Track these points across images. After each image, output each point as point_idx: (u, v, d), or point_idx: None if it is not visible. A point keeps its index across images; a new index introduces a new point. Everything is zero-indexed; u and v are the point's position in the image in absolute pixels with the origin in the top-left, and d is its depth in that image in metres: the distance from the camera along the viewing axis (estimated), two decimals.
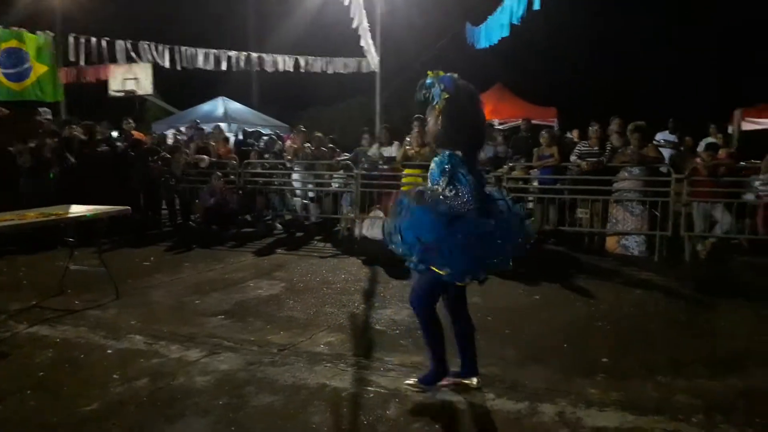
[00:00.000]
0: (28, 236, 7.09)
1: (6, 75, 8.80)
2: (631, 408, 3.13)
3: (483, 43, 10.17)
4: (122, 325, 4.52)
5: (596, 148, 7.91)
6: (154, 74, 15.26)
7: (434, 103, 3.14)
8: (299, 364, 3.74)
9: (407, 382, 3.39)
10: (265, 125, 18.96)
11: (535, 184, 8.38)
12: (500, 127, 14.84)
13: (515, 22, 7.15)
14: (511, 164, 8.48)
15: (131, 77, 15.77)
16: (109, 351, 3.98)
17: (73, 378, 3.52)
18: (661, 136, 10.18)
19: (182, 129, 14.61)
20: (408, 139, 8.80)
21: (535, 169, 8.26)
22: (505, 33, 7.68)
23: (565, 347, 4.13)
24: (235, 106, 19.19)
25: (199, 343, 4.10)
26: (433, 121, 3.19)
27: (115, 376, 3.53)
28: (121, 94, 16.05)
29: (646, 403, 3.21)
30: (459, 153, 3.05)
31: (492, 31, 8.73)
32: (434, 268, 3.08)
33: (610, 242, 7.84)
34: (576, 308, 5.15)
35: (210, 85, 20.67)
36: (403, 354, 3.94)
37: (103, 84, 16.00)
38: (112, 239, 8.24)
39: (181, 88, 21.48)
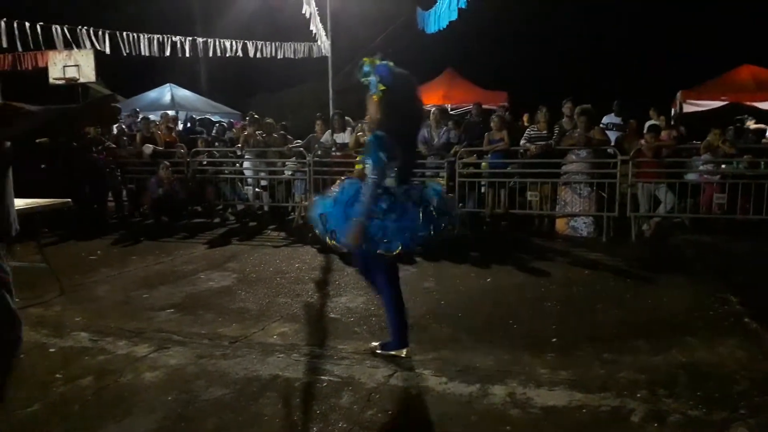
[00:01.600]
0: None
1: None
2: (579, 386, 3.21)
3: (432, 28, 10.16)
4: (66, 322, 4.36)
5: (545, 131, 8.05)
6: (97, 61, 14.68)
7: (371, 92, 3.25)
8: (251, 356, 3.69)
9: (372, 344, 3.66)
10: (214, 112, 18.58)
11: (486, 168, 8.47)
12: (452, 112, 14.97)
13: (462, 5, 7.16)
14: (461, 149, 8.54)
15: (72, 64, 15.11)
16: (52, 349, 3.83)
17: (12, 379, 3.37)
18: (607, 119, 10.42)
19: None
20: (360, 125, 8.76)
21: (487, 154, 8.34)
22: (453, 17, 7.69)
23: (515, 328, 4.21)
24: (183, 93, 18.71)
25: (147, 339, 4.00)
26: (373, 110, 3.30)
27: (57, 375, 3.41)
28: (62, 81, 15.38)
29: (593, 380, 3.30)
30: (383, 134, 3.21)
31: (441, 16, 8.73)
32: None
33: (560, 224, 8.02)
34: (526, 289, 5.25)
35: (157, 71, 20.06)
36: (357, 341, 3.93)
37: (43, 71, 15.32)
38: (55, 233, 7.96)
39: (126, 76, 20.76)
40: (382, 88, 3.20)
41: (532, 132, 8.22)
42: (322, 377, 3.38)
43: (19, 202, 4.93)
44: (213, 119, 16.41)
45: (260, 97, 28.76)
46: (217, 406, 3.06)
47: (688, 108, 13.50)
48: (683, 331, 4.09)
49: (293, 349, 3.79)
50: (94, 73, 15.30)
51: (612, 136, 8.93)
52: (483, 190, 8.45)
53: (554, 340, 3.96)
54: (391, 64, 3.26)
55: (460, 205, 8.22)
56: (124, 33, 12.11)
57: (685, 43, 20.06)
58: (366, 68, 3.23)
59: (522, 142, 8.15)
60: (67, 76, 15.20)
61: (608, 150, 7.91)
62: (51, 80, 15.33)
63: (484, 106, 13.75)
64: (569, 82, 14.86)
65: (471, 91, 14.83)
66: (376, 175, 3.20)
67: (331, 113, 13.68)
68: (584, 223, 7.77)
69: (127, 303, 4.90)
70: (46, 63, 15.19)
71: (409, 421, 2.94)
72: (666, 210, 7.84)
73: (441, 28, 9.40)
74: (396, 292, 3.58)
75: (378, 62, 3.24)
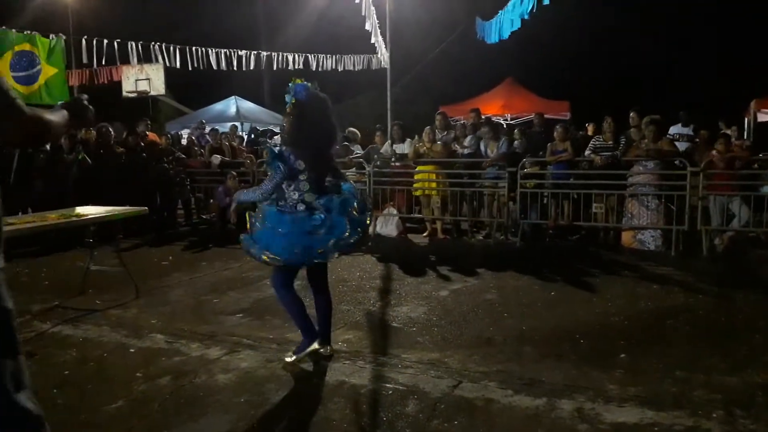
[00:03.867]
0: (47, 237, 7.22)
1: (15, 78, 8.90)
2: (650, 404, 3.14)
3: (494, 38, 10.15)
4: (143, 324, 4.59)
5: (610, 142, 7.87)
6: (167, 74, 15.38)
7: (285, 106, 3.64)
8: (318, 361, 3.78)
9: (287, 359, 3.74)
10: (277, 123, 19.07)
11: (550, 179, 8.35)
12: (512, 122, 14.84)
13: (525, 16, 7.13)
14: (524, 160, 8.46)
15: (143, 78, 15.89)
16: (132, 350, 4.04)
17: (97, 377, 3.59)
18: (674, 130, 10.09)
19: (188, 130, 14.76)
20: (420, 136, 8.83)
21: (550, 165, 8.22)
22: (516, 26, 7.67)
23: (582, 343, 4.14)
24: (248, 105, 19.30)
25: (219, 341, 4.16)
26: (286, 121, 3.71)
27: (138, 374, 3.59)
28: (134, 94, 16.19)
29: (665, 398, 3.21)
30: (279, 147, 3.59)
31: (503, 26, 8.71)
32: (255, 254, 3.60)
33: (626, 237, 7.81)
34: (592, 304, 5.14)
35: (223, 84, 20.81)
36: (421, 351, 3.97)
37: (117, 85, 16.19)
38: (130, 239, 8.36)
39: (194, 88, 21.62)
40: (293, 101, 3.56)
41: (597, 142, 8.06)
42: (387, 385, 3.43)
43: (98, 210, 5.26)
44: (275, 130, 16.84)
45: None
46: (287, 409, 3.16)
47: (762, 117, 12.89)
48: (761, 350, 3.92)
49: (358, 356, 3.86)
50: (163, 86, 16.06)
51: (680, 147, 8.64)
52: (546, 201, 8.34)
53: (623, 355, 3.87)
54: (311, 86, 3.59)
55: (522, 216, 8.14)
56: (194, 48, 12.63)
57: (759, 50, 19.19)
58: (289, 86, 3.59)
59: (587, 152, 8.00)
60: (139, 89, 16.00)
61: (676, 161, 7.66)
62: (124, 93, 16.18)
63: (545, 116, 13.65)
64: (633, 92, 14.48)
65: (532, 101, 14.67)
66: (270, 181, 3.53)
67: (389, 124, 13.87)
68: (652, 236, 7.53)
69: (199, 307, 5.10)
70: (120, 77, 16.08)
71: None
72: (740, 224, 7.51)
73: (502, 38, 9.39)
74: (290, 295, 3.79)
75: (298, 82, 3.58)
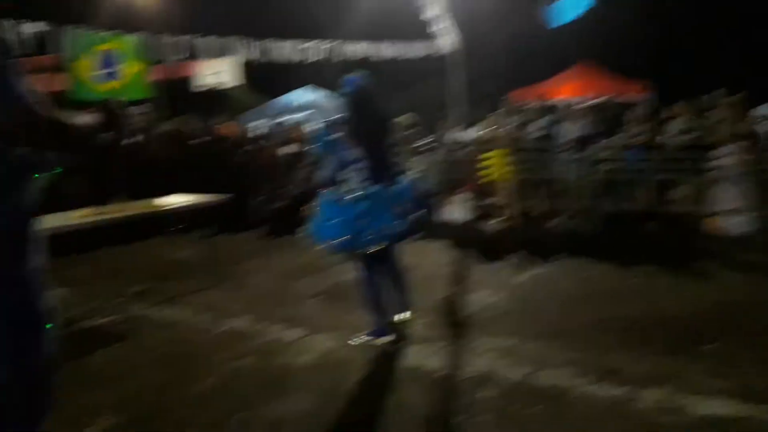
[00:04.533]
0: (140, 224, 7.65)
1: (98, 77, 9.43)
2: (742, 396, 3.01)
3: (556, 22, 9.81)
4: (227, 307, 4.81)
5: (693, 124, 7.49)
6: (241, 66, 15.82)
7: (341, 97, 3.81)
8: (395, 344, 3.84)
9: (357, 340, 3.88)
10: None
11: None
12: (588, 104, 14.32)
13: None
14: (599, 143, 8.19)
15: (218, 71, 16.47)
16: (217, 332, 4.26)
17: (187, 357, 3.80)
18: (765, 110, 9.48)
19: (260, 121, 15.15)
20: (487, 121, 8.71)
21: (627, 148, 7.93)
22: (580, 11, 7.39)
23: (667, 332, 4.00)
24: (322, 94, 19.60)
25: (298, 324, 4.31)
26: (339, 114, 3.83)
27: (224, 355, 3.78)
28: (208, 87, 16.80)
29: (760, 392, 3.06)
30: (331, 136, 3.71)
31: (566, 9, 8.42)
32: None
33: (710, 223, 7.43)
34: (677, 291, 4.94)
35: (296, 74, 21.18)
36: (497, 337, 3.96)
37: (193, 79, 16.86)
38: (212, 227, 8.73)
39: (268, 79, 22.17)
40: (345, 95, 3.74)
41: (678, 124, 7.69)
42: (464, 370, 3.45)
43: (185, 199, 5.53)
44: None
45: (389, 95, 29.35)
46: (365, 390, 3.25)
47: None
48: None
49: (434, 341, 3.90)
50: (238, 78, 16.57)
51: None
52: (623, 185, 8.05)
53: (711, 345, 3.72)
54: (363, 78, 3.75)
55: (598, 202, 7.90)
56: (260, 40, 12.95)
57: None
58: (343, 80, 3.79)
59: (667, 135, 7.65)
60: (213, 82, 16.59)
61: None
62: (198, 86, 16.83)
63: (624, 97, 13.08)
64: (719, 72, 13.64)
65: (609, 82, 14.07)
66: (325, 169, 3.74)
67: (456, 110, 13.75)
68: (738, 221, 7.13)
69: (279, 291, 5.29)
70: (196, 71, 16.72)
71: (552, 419, 2.92)
72: None
73: (565, 23, 9.08)
74: (372, 283, 3.90)
75: (354, 75, 3.76)
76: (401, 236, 3.77)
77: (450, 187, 8.77)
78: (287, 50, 13.36)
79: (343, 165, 3.67)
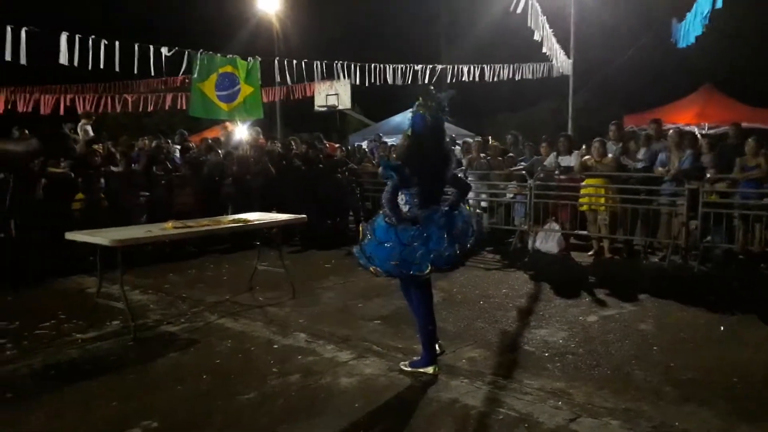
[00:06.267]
0: (230, 238, 8.22)
1: (219, 97, 10.25)
2: None
3: (683, 42, 9.22)
4: (291, 322, 5.02)
5: None
6: (355, 90, 16.45)
7: (406, 130, 3.94)
8: (439, 376, 3.82)
9: (402, 366, 3.93)
10: (458, 135, 19.34)
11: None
12: (708, 132, 13.29)
13: (706, 21, 6.40)
14: (710, 176, 7.58)
15: (333, 93, 17.24)
16: (275, 346, 4.46)
17: (241, 368, 4.03)
18: None
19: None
20: (586, 147, 8.36)
21: (739, 182, 7.26)
22: (699, 31, 6.90)
23: (739, 390, 3.63)
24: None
25: (351, 346, 4.40)
26: (402, 144, 4.02)
27: (274, 369, 3.96)
28: (324, 108, 17.62)
29: None
30: (395, 165, 3.80)
31: (689, 30, 7.90)
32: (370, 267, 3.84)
33: None
34: (766, 347, 4.46)
35: (404, 98, 21.67)
36: (546, 378, 3.80)
37: (309, 100, 17.79)
38: (303, 243, 9.15)
39: (379, 102, 22.86)
40: (409, 132, 3.86)
41: None
42: (500, 410, 3.35)
43: (263, 216, 5.86)
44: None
45: (501, 117, 29.03)
46: (396, 419, 3.26)
47: None
48: None
49: (478, 377, 3.82)
50: (350, 100, 17.24)
51: None
52: (735, 222, 7.37)
53: None
54: (428, 115, 3.79)
55: (708, 239, 7.30)
56: (373, 65, 13.37)
57: None
58: (411, 110, 3.89)
59: None
60: (328, 104, 17.37)
61: None
62: (316, 107, 17.71)
63: (749, 126, 11.98)
64: None
65: (732, 109, 12.99)
66: (390, 186, 3.77)
67: (569, 133, 13.28)
68: None
69: (344, 311, 5.43)
70: (312, 93, 17.62)
71: None
72: None
73: (689, 44, 8.51)
74: (427, 311, 3.93)
75: (421, 110, 3.81)
76: (450, 264, 3.78)
77: (543, 214, 8.51)
78: (392, 74, 13.69)
79: (402, 187, 3.80)
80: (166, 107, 15.95)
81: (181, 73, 10.32)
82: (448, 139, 4.22)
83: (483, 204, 9.67)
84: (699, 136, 12.17)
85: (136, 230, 4.87)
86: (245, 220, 5.47)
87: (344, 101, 17.23)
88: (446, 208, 3.86)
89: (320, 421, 3.24)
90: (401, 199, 3.86)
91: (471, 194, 9.75)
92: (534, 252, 8.34)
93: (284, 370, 3.95)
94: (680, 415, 3.25)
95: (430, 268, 3.68)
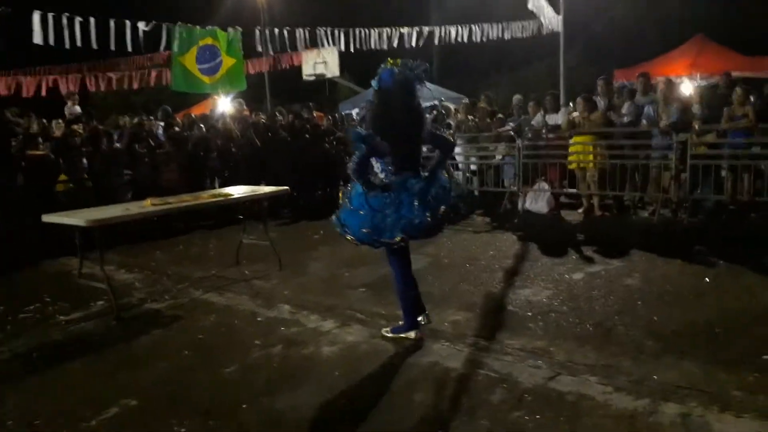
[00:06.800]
0: (216, 213, 8.16)
1: (201, 70, 10.07)
2: None
3: None
4: (277, 294, 5.01)
5: None
6: (345, 57, 16.11)
7: (372, 89, 3.71)
8: (421, 340, 3.81)
9: (383, 332, 3.93)
10: (448, 98, 19.08)
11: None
12: (701, 82, 13.10)
13: None
14: (698, 127, 7.48)
15: (320, 61, 16.95)
16: (259, 318, 4.45)
17: (224, 342, 4.02)
18: None
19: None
20: (572, 105, 8.24)
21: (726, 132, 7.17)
22: None
23: (720, 339, 3.63)
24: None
25: (335, 315, 4.40)
26: (370, 106, 3.78)
27: (257, 342, 3.96)
28: (312, 77, 17.35)
29: None
30: (362, 130, 3.63)
31: None
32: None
33: None
34: (752, 295, 4.45)
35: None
36: (528, 338, 3.80)
37: (297, 69, 17.51)
38: (293, 214, 9.11)
39: (370, 69, 22.52)
40: (377, 88, 3.63)
41: None
42: (480, 371, 3.35)
43: (245, 190, 5.80)
44: (439, 103, 16.89)
45: (495, 78, 28.63)
46: (376, 385, 3.27)
47: None
48: None
49: (460, 339, 3.82)
50: (338, 68, 16.97)
51: None
52: (723, 174, 7.31)
53: (766, 357, 3.33)
54: (397, 68, 3.59)
55: (698, 191, 7.24)
56: (356, 29, 13.11)
57: None
58: (379, 70, 3.66)
59: None
60: (317, 72, 17.10)
61: None
62: (304, 77, 17.43)
63: (744, 75, 11.79)
64: None
65: (726, 58, 12.79)
66: (354, 161, 3.59)
67: (561, 91, 13.06)
68: None
69: (330, 280, 5.42)
70: (300, 62, 17.34)
71: (553, 430, 2.76)
72: None
73: None
74: (405, 278, 3.83)
75: (389, 65, 3.61)
76: (421, 231, 3.64)
77: (532, 174, 8.44)
78: (376, 38, 13.42)
79: (375, 155, 3.66)
80: (152, 84, 15.69)
81: (162, 48, 10.11)
82: (421, 100, 3.87)
83: (472, 167, 9.60)
84: (692, 87, 12.10)
85: (114, 209, 4.82)
86: (226, 195, 5.41)
87: (332, 69, 16.94)
88: (425, 174, 3.72)
89: (301, 391, 3.24)
90: (376, 167, 3.74)
91: (460, 158, 9.75)
92: (524, 213, 8.31)
93: (267, 342, 3.95)
94: (659, 368, 3.25)
95: (400, 236, 3.56)
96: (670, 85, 7.88)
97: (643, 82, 8.69)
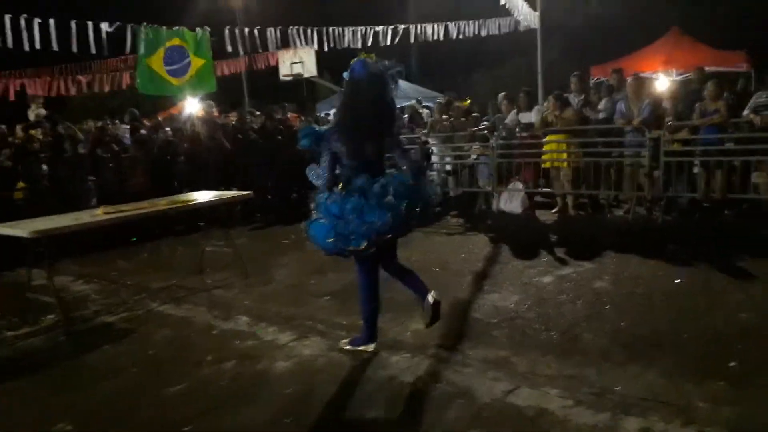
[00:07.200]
0: (188, 219, 7.93)
1: (169, 71, 9.80)
2: (742, 430, 2.56)
3: None
4: (237, 305, 4.83)
5: None
6: (324, 56, 15.82)
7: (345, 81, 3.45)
8: (380, 352, 3.66)
9: (341, 344, 3.77)
10: (424, 97, 18.96)
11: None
12: (677, 78, 13.09)
13: None
14: (670, 123, 7.40)
15: (297, 61, 16.72)
16: (215, 331, 4.27)
17: (175, 357, 3.84)
18: None
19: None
20: (546, 103, 8.14)
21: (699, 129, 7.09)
22: None
23: (688, 346, 3.52)
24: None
25: (295, 326, 4.23)
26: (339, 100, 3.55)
27: (209, 357, 3.77)
28: (290, 77, 17.10)
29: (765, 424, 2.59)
30: (319, 127, 3.47)
31: None
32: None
33: None
34: (725, 297, 4.34)
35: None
36: (491, 347, 3.66)
37: (273, 70, 17.27)
38: (265, 218, 8.90)
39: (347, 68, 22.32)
40: (347, 79, 3.39)
41: (760, 99, 6.77)
42: (438, 384, 3.21)
43: (210, 195, 5.61)
44: (418, 104, 16.77)
45: (476, 76, 28.59)
46: (326, 403, 3.10)
47: None
48: None
49: (420, 350, 3.66)
50: (315, 67, 16.75)
51: None
52: (696, 171, 7.25)
53: (733, 364, 3.22)
54: (371, 60, 3.38)
55: (672, 189, 7.15)
56: (330, 28, 12.91)
57: None
58: (352, 63, 3.42)
59: (745, 112, 6.77)
60: (294, 72, 16.86)
61: None
62: (281, 77, 17.19)
63: (718, 70, 11.77)
64: None
65: (699, 53, 12.76)
66: (322, 165, 3.41)
67: (540, 89, 12.95)
68: None
69: (295, 288, 5.25)
70: (276, 62, 17.09)
71: None
72: None
73: None
74: (369, 287, 3.65)
75: (363, 57, 3.39)
76: (392, 233, 3.39)
77: (507, 173, 8.32)
78: (349, 37, 13.22)
79: (337, 160, 3.43)
80: (123, 86, 15.35)
81: (127, 50, 9.83)
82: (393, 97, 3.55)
83: (447, 167, 9.46)
84: (668, 82, 12.07)
85: (64, 219, 4.60)
86: (184, 201, 5.22)
87: (310, 69, 16.71)
88: (389, 172, 3.49)
89: (248, 410, 3.08)
90: (340, 170, 3.47)
91: (435, 158, 9.61)
92: (498, 213, 8.19)
93: (220, 356, 3.77)
94: (624, 378, 3.13)
95: (365, 243, 3.33)
96: (638, 81, 7.79)
97: (617, 78, 8.63)
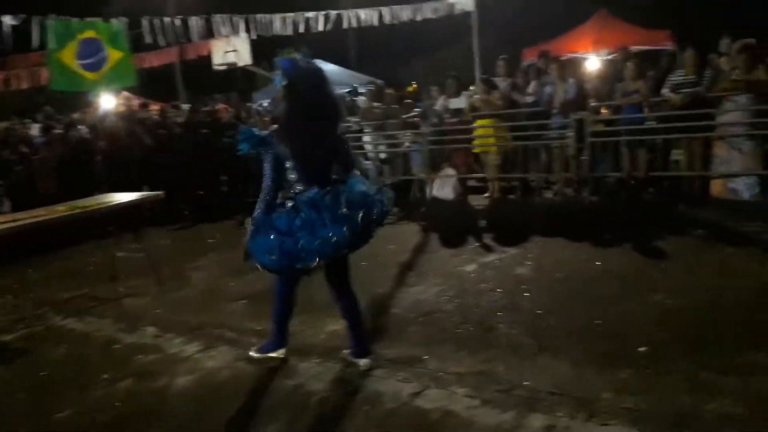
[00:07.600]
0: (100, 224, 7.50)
1: (83, 65, 9.21)
2: (646, 422, 2.51)
3: None
4: (146, 314, 4.55)
5: (692, 76, 6.65)
6: (262, 45, 15.30)
7: (276, 86, 3.10)
8: (290, 360, 3.48)
9: (251, 353, 3.52)
10: (360, 84, 18.70)
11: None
12: (608, 58, 13.27)
13: None
14: (593, 104, 7.43)
15: (231, 50, 16.17)
16: (117, 346, 4.00)
17: (67, 378, 3.55)
18: None
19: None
20: (474, 87, 8.06)
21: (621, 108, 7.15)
22: None
23: (599, 331, 3.49)
24: (330, 68, 19.07)
25: (203, 335, 4.00)
26: (278, 105, 3.14)
27: (105, 376, 3.51)
28: (224, 67, 16.53)
29: (670, 414, 2.55)
30: (261, 131, 3.08)
31: None
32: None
33: (715, 186, 6.65)
34: (644, 279, 4.34)
35: (311, 49, 20.71)
36: (404, 346, 3.54)
37: (206, 60, 16.65)
38: (193, 216, 8.54)
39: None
40: (284, 83, 3.02)
41: (677, 78, 6.85)
42: (345, 391, 3.06)
43: (120, 197, 5.27)
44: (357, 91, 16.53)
45: (415, 61, 28.41)
46: (227, 422, 2.90)
47: None
48: None
49: (332, 354, 3.50)
50: (250, 56, 16.24)
51: None
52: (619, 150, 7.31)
53: (643, 349, 3.19)
54: (299, 57, 3.09)
55: (598, 169, 7.18)
56: (257, 15, 12.45)
57: None
58: (275, 61, 3.10)
59: (663, 90, 6.84)
60: (228, 61, 16.29)
61: None
62: (214, 66, 16.60)
63: (644, 48, 11.98)
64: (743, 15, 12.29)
65: (627, 33, 12.95)
66: (267, 176, 3.04)
67: (477, 74, 12.88)
68: (746, 184, 6.33)
69: (210, 292, 5.01)
70: (209, 52, 16.48)
71: None
72: None
73: None
74: (286, 294, 3.39)
75: (287, 55, 3.09)
76: (348, 246, 3.07)
77: (438, 160, 8.23)
78: (279, 25, 12.80)
79: (279, 167, 3.04)
80: (41, 83, 14.50)
81: (34, 44, 9.19)
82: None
83: (382, 156, 9.30)
84: (598, 63, 12.20)
85: None
86: (83, 206, 4.87)
87: (244, 58, 16.16)
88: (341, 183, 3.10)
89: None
90: (283, 178, 3.06)
91: (368, 147, 9.44)
92: (431, 200, 8.09)
93: (117, 375, 3.50)
94: (532, 371, 3.05)
95: (317, 260, 2.96)
96: (562, 63, 7.80)
97: (544, 61, 8.63)
